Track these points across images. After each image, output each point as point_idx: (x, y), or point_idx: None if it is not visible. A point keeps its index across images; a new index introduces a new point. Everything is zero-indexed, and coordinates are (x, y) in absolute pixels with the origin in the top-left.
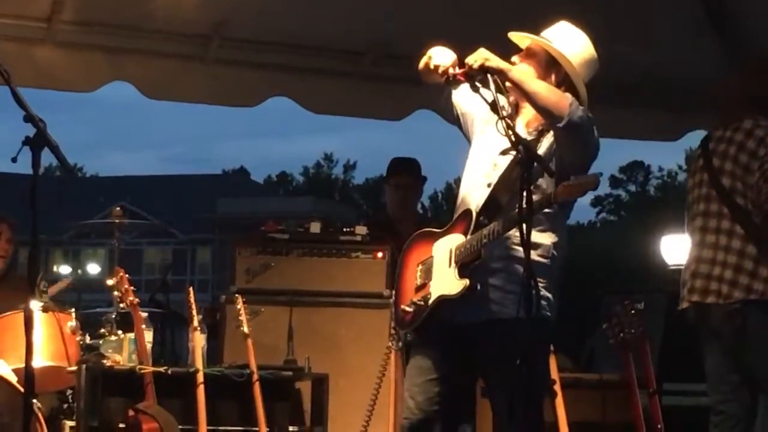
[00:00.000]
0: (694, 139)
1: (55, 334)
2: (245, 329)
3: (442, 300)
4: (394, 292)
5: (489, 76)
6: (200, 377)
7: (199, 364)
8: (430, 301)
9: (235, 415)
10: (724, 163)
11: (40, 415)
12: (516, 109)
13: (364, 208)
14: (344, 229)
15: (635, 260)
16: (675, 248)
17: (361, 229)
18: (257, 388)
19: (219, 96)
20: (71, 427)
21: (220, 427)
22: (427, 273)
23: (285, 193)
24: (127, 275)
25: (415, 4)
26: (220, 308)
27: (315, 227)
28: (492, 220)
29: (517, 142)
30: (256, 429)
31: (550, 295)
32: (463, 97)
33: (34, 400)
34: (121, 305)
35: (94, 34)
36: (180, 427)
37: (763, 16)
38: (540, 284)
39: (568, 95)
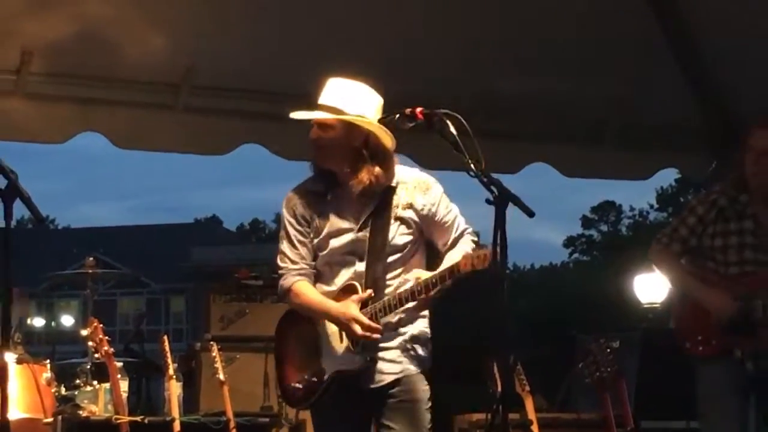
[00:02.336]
0: (664, 177)
1: (30, 385)
2: (221, 376)
3: (340, 374)
4: (275, 369)
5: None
6: (177, 426)
7: (176, 412)
8: (326, 377)
9: None
10: None
11: None
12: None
13: None
14: None
15: (609, 299)
16: (648, 287)
17: None
18: None
19: (190, 144)
20: None
21: None
22: (314, 348)
23: (258, 240)
24: (101, 325)
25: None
26: (195, 356)
27: None
28: (377, 293)
29: (490, 183)
30: None
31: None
32: None
33: None
34: (96, 355)
35: (64, 85)
36: None
37: (728, 56)
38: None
39: None
